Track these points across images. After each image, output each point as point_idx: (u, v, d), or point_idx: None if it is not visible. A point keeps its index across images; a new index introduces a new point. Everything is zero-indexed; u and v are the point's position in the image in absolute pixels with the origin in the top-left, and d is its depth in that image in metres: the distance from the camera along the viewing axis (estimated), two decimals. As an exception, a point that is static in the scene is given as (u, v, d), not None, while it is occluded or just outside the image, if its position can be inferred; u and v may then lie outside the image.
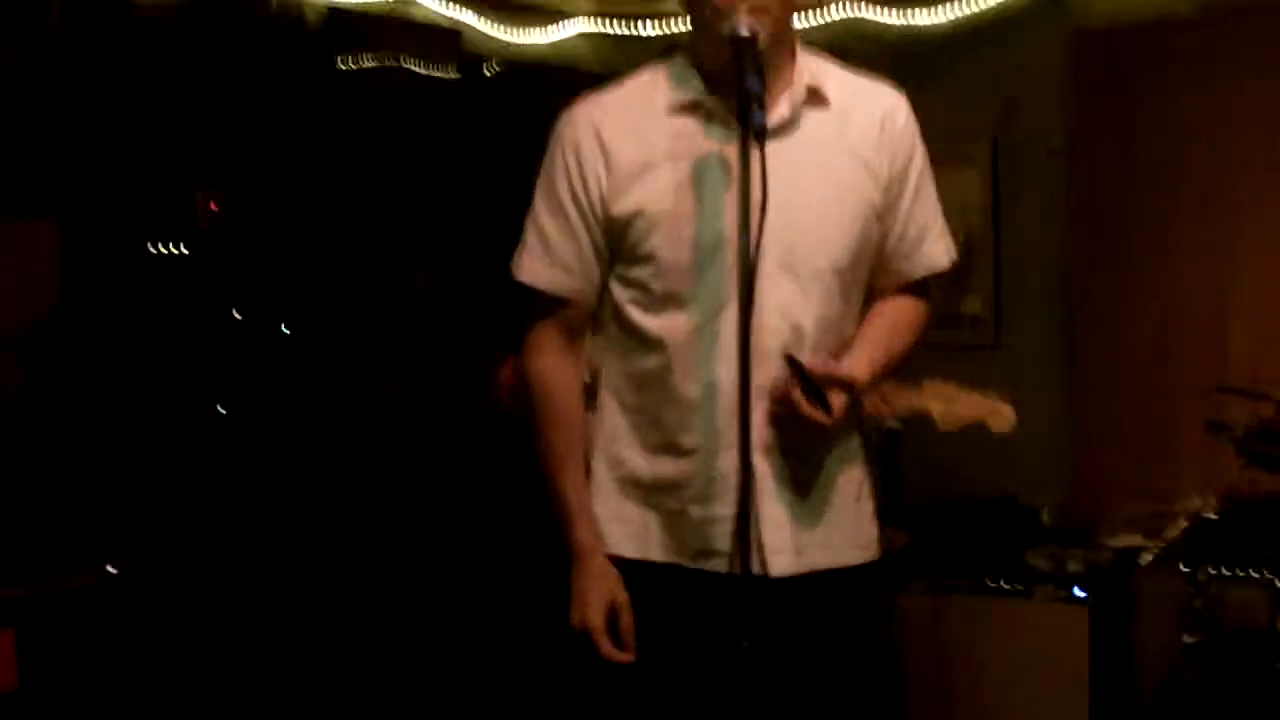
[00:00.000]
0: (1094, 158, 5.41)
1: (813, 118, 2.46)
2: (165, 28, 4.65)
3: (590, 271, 2.53)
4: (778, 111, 2.42)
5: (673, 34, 6.38)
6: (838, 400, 2.38)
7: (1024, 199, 5.66)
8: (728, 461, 2.38)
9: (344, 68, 5.41)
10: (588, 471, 2.57)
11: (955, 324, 5.80)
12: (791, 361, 2.35)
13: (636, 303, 2.49)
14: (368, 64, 5.50)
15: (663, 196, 2.41)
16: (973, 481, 5.49)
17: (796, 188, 2.38)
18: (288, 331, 4.50)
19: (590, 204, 2.48)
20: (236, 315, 4.34)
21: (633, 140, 2.45)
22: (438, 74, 5.77)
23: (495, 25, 5.93)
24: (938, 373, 4.32)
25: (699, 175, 2.39)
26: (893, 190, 2.52)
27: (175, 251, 4.40)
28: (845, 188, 2.47)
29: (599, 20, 6.23)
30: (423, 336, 5.39)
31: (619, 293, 2.51)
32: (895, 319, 2.61)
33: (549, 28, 6.08)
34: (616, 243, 2.48)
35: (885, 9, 5.66)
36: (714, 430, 2.42)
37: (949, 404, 3.90)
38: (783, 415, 2.40)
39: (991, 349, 5.83)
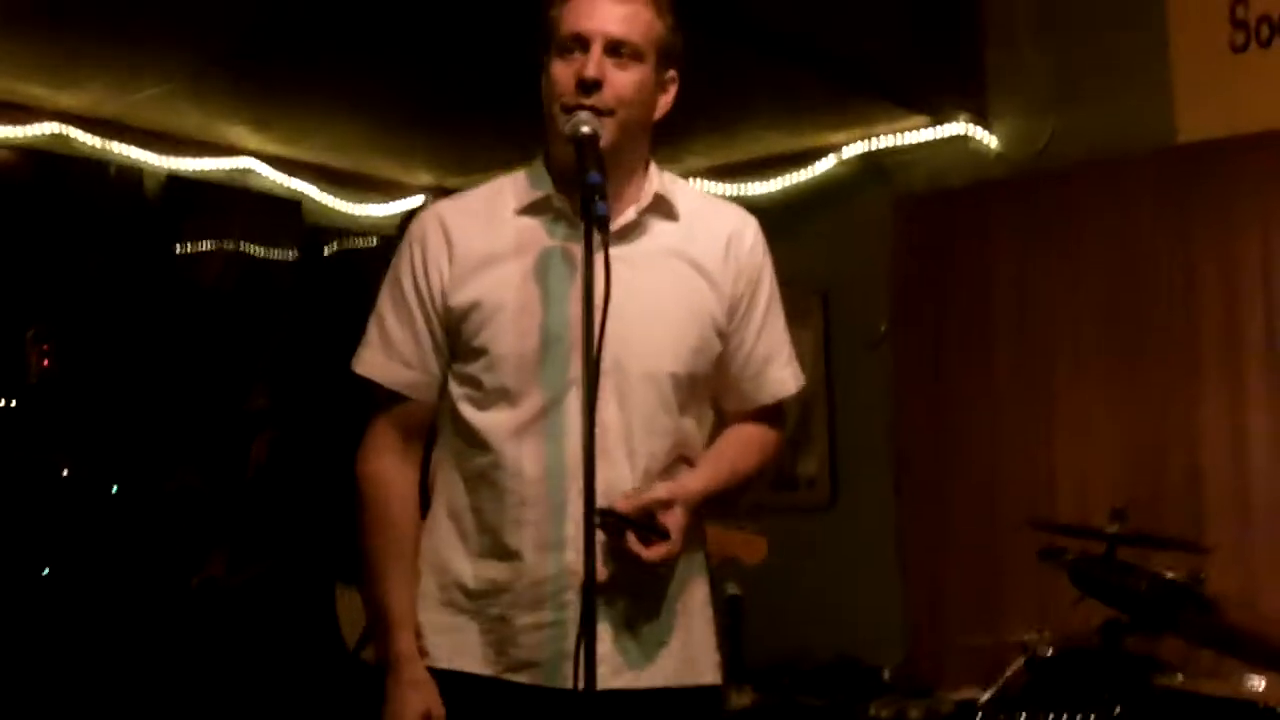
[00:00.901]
0: (917, 318, 5.64)
1: (657, 226, 2.49)
2: (9, 187, 4.65)
3: (429, 365, 2.49)
4: (623, 216, 2.45)
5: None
6: (671, 521, 2.34)
7: (856, 366, 5.85)
8: (553, 564, 2.34)
9: (180, 245, 5.42)
10: (419, 580, 2.49)
11: (792, 486, 5.91)
12: (604, 515, 2.24)
13: (469, 399, 2.45)
14: (205, 236, 5.52)
15: (502, 289, 2.41)
16: (814, 642, 5.55)
17: (634, 292, 2.37)
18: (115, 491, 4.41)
19: (430, 295, 2.46)
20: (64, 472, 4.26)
21: (478, 235, 2.46)
22: (276, 253, 5.80)
23: (335, 197, 6.00)
24: (777, 533, 4.36)
25: (540, 269, 2.41)
26: (738, 310, 2.51)
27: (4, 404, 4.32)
28: (684, 295, 2.46)
29: (438, 194, 6.36)
30: (256, 518, 5.30)
31: (454, 390, 2.47)
32: (740, 439, 2.58)
33: (389, 201, 6.17)
34: (454, 336, 2.46)
35: (719, 181, 5.88)
36: (540, 532, 2.37)
37: (751, 545, 3.93)
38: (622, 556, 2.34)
39: (827, 510, 5.94)
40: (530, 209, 2.45)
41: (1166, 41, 5.38)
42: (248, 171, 5.65)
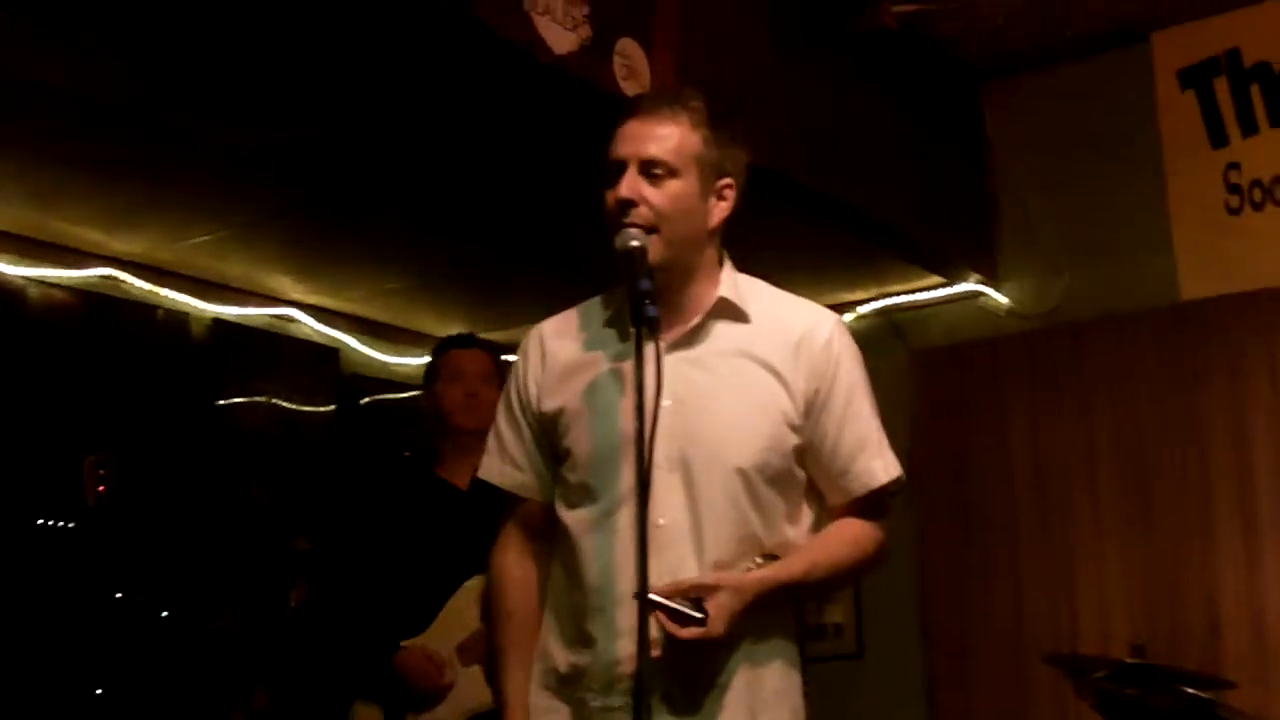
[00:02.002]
0: (937, 468, 5.80)
1: (726, 328, 2.64)
2: (62, 326, 4.87)
3: (538, 467, 2.70)
4: (689, 321, 2.62)
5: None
6: (713, 605, 2.43)
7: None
8: (619, 651, 2.48)
9: (224, 391, 5.59)
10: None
11: (819, 635, 5.98)
12: (641, 599, 2.33)
13: (562, 497, 2.65)
14: (247, 381, 5.69)
15: (580, 396, 2.61)
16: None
17: (702, 391, 2.56)
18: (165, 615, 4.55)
19: (527, 402, 2.70)
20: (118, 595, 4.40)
21: (569, 345, 2.69)
22: (314, 402, 5.96)
23: (371, 346, 6.21)
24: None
25: (610, 376, 2.60)
26: (815, 405, 2.60)
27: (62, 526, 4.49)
28: (752, 393, 2.57)
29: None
30: (291, 664, 5.39)
31: (557, 491, 2.68)
32: (832, 533, 2.65)
33: (425, 353, 6.35)
34: (551, 440, 2.67)
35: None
36: (610, 620, 2.52)
37: None
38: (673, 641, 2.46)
39: (855, 658, 6.01)
40: (610, 321, 2.67)
41: (1166, 205, 5.68)
42: (289, 319, 5.87)
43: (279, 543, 5.52)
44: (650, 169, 2.56)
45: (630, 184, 2.55)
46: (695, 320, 2.62)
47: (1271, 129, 5.51)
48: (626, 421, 2.49)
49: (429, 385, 4.16)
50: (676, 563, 2.50)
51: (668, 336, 2.56)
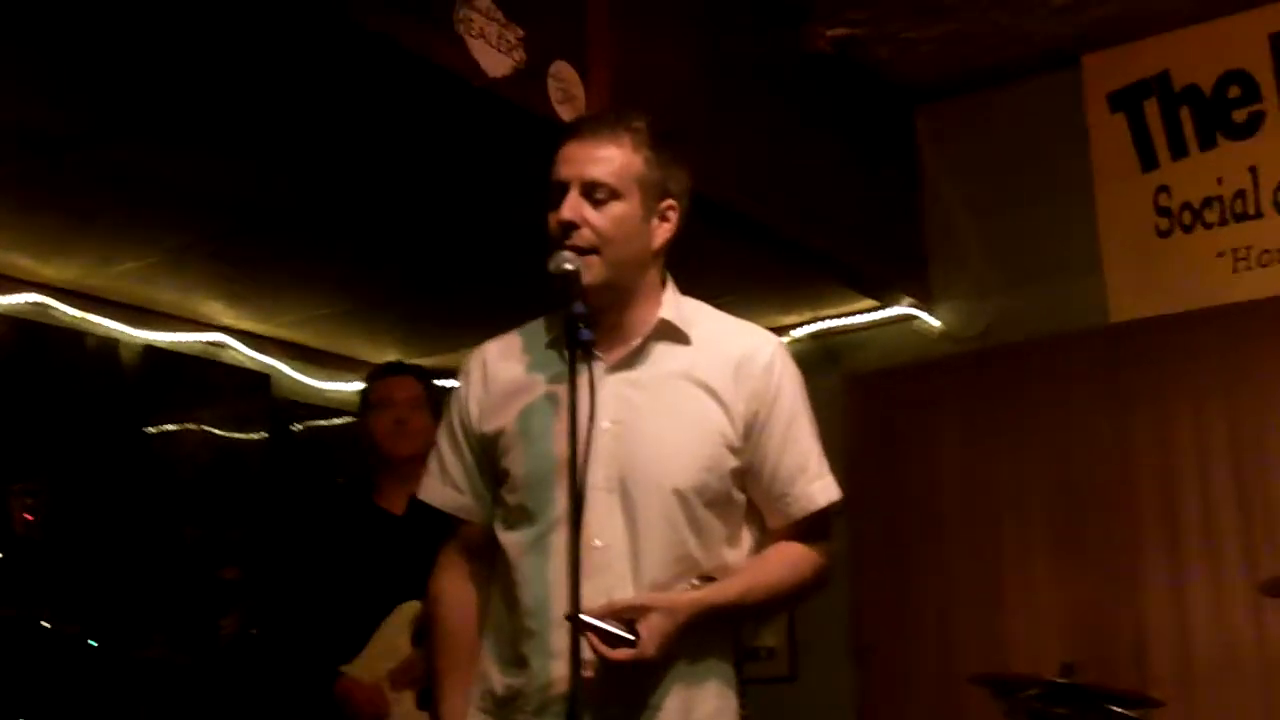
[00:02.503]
0: (870, 492, 5.81)
1: (667, 351, 2.62)
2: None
3: (478, 489, 2.68)
4: (629, 343, 2.61)
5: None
6: (645, 627, 2.42)
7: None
8: (552, 672, 2.46)
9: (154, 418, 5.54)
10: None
11: (753, 657, 5.97)
12: (574, 620, 2.35)
13: (502, 520, 2.63)
14: (178, 408, 5.64)
15: (521, 417, 2.60)
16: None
17: (641, 413, 2.55)
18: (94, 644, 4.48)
19: (469, 423, 2.68)
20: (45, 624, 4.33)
21: (512, 367, 2.67)
22: (244, 431, 5.91)
23: (303, 372, 6.16)
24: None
25: (547, 399, 2.58)
26: (755, 430, 2.59)
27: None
28: (691, 415, 2.56)
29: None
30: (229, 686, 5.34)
31: (497, 513, 2.66)
32: (771, 555, 2.64)
33: (357, 379, 6.32)
34: (491, 461, 2.65)
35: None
36: (544, 642, 2.50)
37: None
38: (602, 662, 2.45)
39: (788, 682, 6.02)
40: (552, 343, 2.64)
41: (1096, 227, 5.75)
42: (220, 346, 5.82)
43: (208, 571, 5.47)
44: (592, 191, 2.55)
45: (572, 206, 2.54)
46: (636, 342, 2.61)
47: (1201, 152, 5.57)
48: (561, 444, 2.47)
49: (361, 414, 4.14)
50: (613, 584, 2.48)
51: (609, 358, 2.57)
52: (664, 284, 2.68)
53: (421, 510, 3.47)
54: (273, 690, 4.19)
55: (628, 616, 2.43)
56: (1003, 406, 5.79)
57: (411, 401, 4.04)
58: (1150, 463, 5.49)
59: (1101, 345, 5.66)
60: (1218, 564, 5.29)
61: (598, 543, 2.48)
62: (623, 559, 2.52)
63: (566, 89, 4.00)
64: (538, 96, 3.94)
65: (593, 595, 2.40)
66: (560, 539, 2.48)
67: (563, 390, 2.49)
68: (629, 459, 2.52)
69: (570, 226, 2.53)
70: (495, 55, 3.76)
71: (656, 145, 2.61)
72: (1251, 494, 5.30)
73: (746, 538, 2.65)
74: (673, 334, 2.63)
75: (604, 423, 2.47)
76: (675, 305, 2.66)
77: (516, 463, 2.58)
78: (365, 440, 4.08)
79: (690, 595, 2.52)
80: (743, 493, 2.62)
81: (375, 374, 4.24)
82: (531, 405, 2.60)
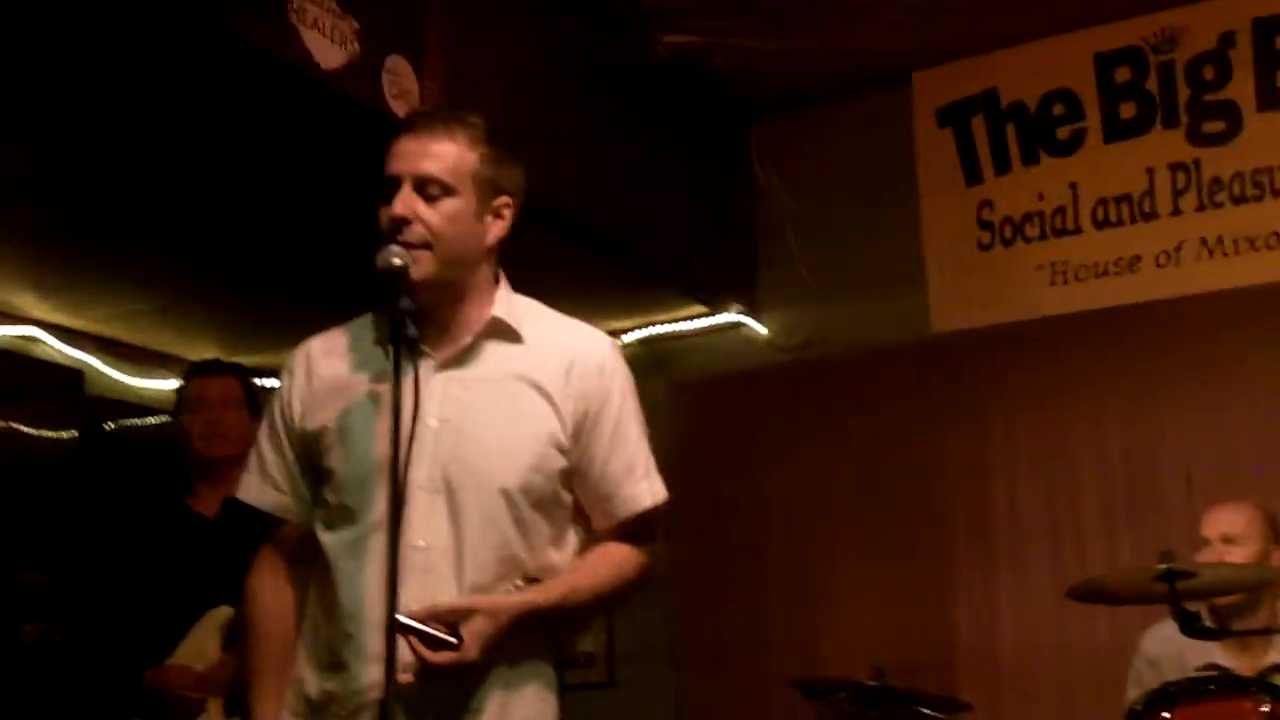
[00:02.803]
0: (692, 499, 5.81)
1: (499, 349, 2.60)
2: None
3: (298, 488, 2.63)
4: (459, 341, 2.58)
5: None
6: (468, 630, 2.39)
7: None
8: (369, 675, 2.41)
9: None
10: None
11: (571, 663, 5.97)
12: (398, 625, 2.32)
13: (322, 520, 2.57)
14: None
15: (344, 415, 2.55)
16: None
17: (469, 412, 2.52)
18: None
19: (291, 420, 2.63)
20: None
21: (336, 364, 2.62)
22: (53, 429, 5.70)
23: (118, 369, 5.96)
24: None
25: (370, 397, 2.54)
26: (585, 430, 2.57)
27: None
28: (521, 415, 2.54)
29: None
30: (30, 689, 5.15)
31: (317, 513, 2.60)
32: (593, 557, 2.62)
33: (173, 376, 6.14)
34: (313, 459, 2.59)
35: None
36: (361, 645, 2.45)
37: None
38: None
39: (606, 687, 6.01)
40: (379, 340, 2.60)
41: (920, 241, 5.85)
42: (32, 340, 5.59)
43: (8, 574, 5.26)
44: (425, 187, 2.52)
45: (405, 201, 2.50)
46: (467, 340, 2.58)
47: (1024, 167, 5.73)
48: (383, 444, 2.43)
49: (176, 414, 4.04)
50: (436, 585, 2.44)
51: (439, 356, 2.55)
52: (497, 281, 2.66)
53: (236, 513, 3.42)
54: (78, 695, 4.06)
55: (450, 619, 2.40)
56: (823, 415, 5.88)
57: (227, 401, 3.95)
58: (963, 473, 5.63)
59: (920, 356, 5.79)
60: (1025, 571, 5.46)
61: (420, 543, 2.46)
62: (446, 560, 2.48)
63: (401, 83, 3.94)
64: (371, 90, 3.87)
65: (417, 597, 2.38)
66: (380, 540, 2.44)
67: (387, 389, 2.46)
68: (455, 458, 2.49)
69: (402, 222, 2.50)
70: (329, 47, 3.69)
71: (491, 142, 2.59)
72: (1058, 504, 5.45)
73: (572, 539, 2.64)
74: (505, 332, 2.61)
75: (431, 421, 2.46)
76: (508, 303, 2.64)
77: (338, 461, 2.54)
78: (180, 440, 3.97)
79: (514, 598, 2.50)
80: (570, 493, 2.61)
81: (191, 372, 4.15)
82: (355, 403, 2.56)
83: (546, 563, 2.57)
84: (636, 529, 2.65)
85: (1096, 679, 4.92)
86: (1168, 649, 4.02)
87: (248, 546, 3.69)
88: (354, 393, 2.57)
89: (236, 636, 3.62)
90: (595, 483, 2.61)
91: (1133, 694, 3.94)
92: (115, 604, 3.83)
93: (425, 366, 2.45)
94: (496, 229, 2.60)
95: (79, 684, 4.01)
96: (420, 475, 2.45)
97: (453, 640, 2.38)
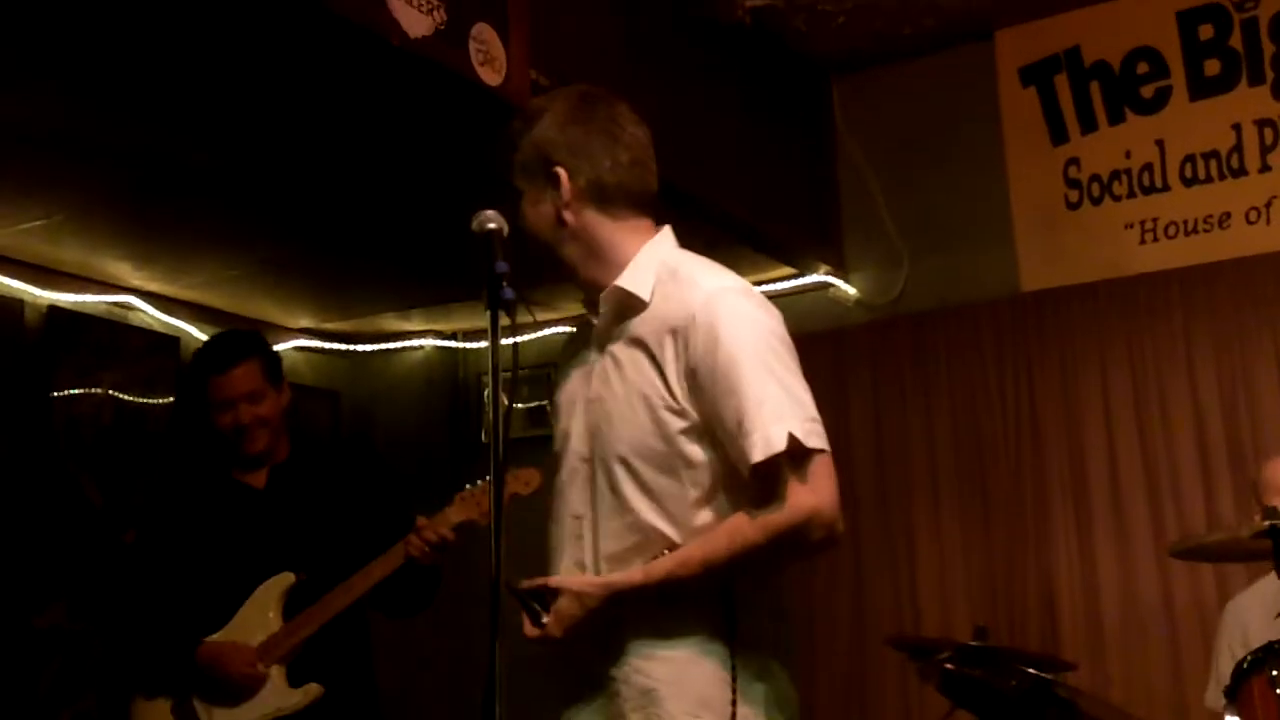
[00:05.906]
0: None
1: (627, 316, 2.60)
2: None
3: None
4: (603, 313, 2.64)
5: (389, 349, 6.66)
6: (554, 610, 2.45)
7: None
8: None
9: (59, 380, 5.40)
10: None
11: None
12: (510, 589, 2.39)
13: None
14: (84, 371, 5.50)
15: (556, 391, 2.78)
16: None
17: (605, 383, 2.60)
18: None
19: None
20: None
21: (572, 344, 2.81)
22: (151, 395, 5.79)
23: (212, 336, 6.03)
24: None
25: (573, 373, 2.73)
26: (696, 387, 2.48)
27: None
28: (631, 381, 2.55)
29: (315, 337, 6.47)
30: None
31: None
32: (721, 525, 2.48)
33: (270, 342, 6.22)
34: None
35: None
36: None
37: (479, 501, 3.80)
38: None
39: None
40: (582, 328, 2.81)
41: (1008, 198, 5.82)
42: (128, 307, 5.70)
43: (112, 537, 5.36)
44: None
45: None
46: (606, 310, 2.65)
47: (1110, 126, 5.69)
48: (565, 418, 2.68)
49: (198, 401, 3.84)
50: (579, 554, 2.59)
51: (599, 328, 2.66)
52: (623, 244, 2.63)
53: (283, 482, 3.53)
54: (125, 658, 4.02)
55: (548, 595, 2.50)
56: (913, 372, 5.89)
57: (251, 394, 3.78)
58: (1056, 430, 5.59)
59: (1010, 313, 5.75)
60: (1124, 528, 5.42)
61: (577, 512, 2.61)
62: (588, 529, 2.59)
63: (488, 51, 3.95)
64: (459, 58, 3.89)
65: (567, 565, 2.58)
66: (558, 506, 2.66)
67: (582, 367, 2.68)
68: (596, 430, 2.61)
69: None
70: (416, 15, 3.71)
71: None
72: (1155, 460, 5.41)
73: (722, 499, 2.51)
74: (627, 299, 2.61)
75: (590, 392, 2.63)
76: (635, 267, 2.61)
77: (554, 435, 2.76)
78: (211, 434, 3.85)
79: (601, 580, 2.51)
80: (708, 452, 2.51)
81: (206, 368, 3.85)
82: (563, 378, 2.76)
83: (694, 527, 2.49)
84: (758, 486, 2.46)
85: (1205, 633, 4.93)
86: (1251, 616, 4.00)
87: (298, 515, 3.79)
88: (565, 369, 2.76)
89: (296, 604, 3.71)
90: (725, 440, 2.49)
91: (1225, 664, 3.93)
92: (170, 577, 3.79)
93: (596, 340, 2.65)
94: (559, 197, 2.61)
95: (136, 653, 3.91)
96: (580, 448, 2.61)
97: (544, 618, 2.48)
